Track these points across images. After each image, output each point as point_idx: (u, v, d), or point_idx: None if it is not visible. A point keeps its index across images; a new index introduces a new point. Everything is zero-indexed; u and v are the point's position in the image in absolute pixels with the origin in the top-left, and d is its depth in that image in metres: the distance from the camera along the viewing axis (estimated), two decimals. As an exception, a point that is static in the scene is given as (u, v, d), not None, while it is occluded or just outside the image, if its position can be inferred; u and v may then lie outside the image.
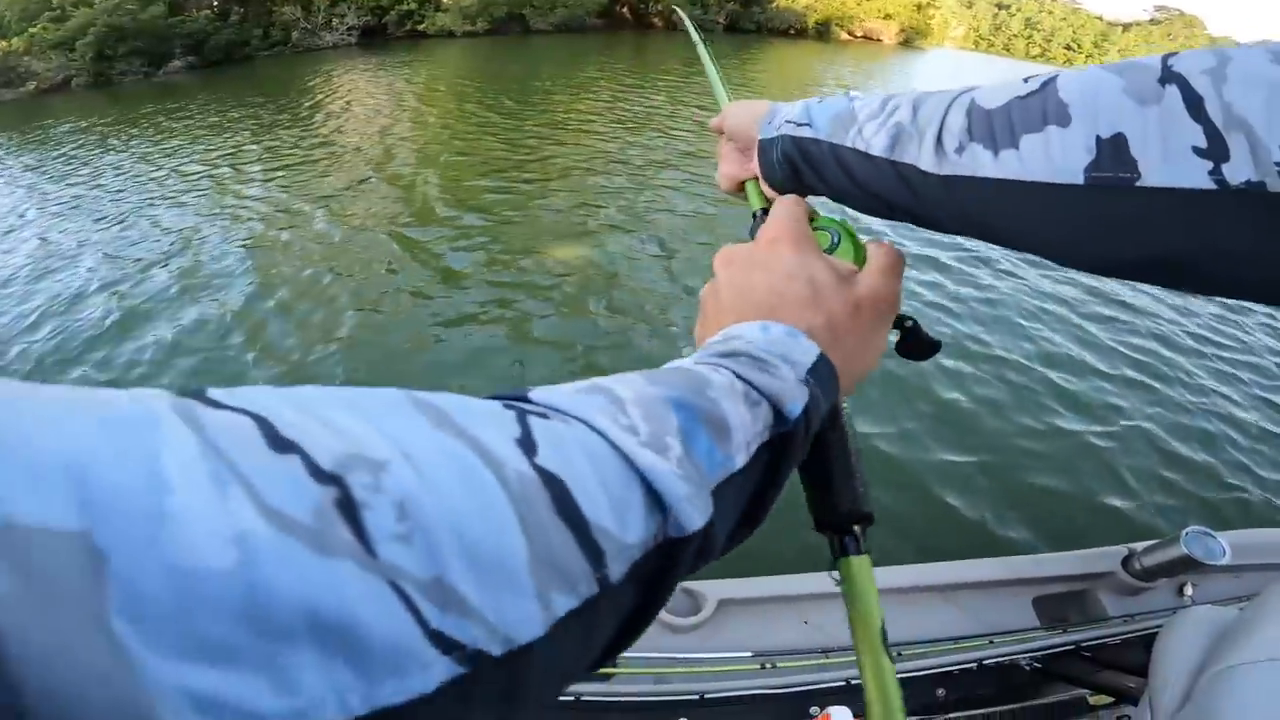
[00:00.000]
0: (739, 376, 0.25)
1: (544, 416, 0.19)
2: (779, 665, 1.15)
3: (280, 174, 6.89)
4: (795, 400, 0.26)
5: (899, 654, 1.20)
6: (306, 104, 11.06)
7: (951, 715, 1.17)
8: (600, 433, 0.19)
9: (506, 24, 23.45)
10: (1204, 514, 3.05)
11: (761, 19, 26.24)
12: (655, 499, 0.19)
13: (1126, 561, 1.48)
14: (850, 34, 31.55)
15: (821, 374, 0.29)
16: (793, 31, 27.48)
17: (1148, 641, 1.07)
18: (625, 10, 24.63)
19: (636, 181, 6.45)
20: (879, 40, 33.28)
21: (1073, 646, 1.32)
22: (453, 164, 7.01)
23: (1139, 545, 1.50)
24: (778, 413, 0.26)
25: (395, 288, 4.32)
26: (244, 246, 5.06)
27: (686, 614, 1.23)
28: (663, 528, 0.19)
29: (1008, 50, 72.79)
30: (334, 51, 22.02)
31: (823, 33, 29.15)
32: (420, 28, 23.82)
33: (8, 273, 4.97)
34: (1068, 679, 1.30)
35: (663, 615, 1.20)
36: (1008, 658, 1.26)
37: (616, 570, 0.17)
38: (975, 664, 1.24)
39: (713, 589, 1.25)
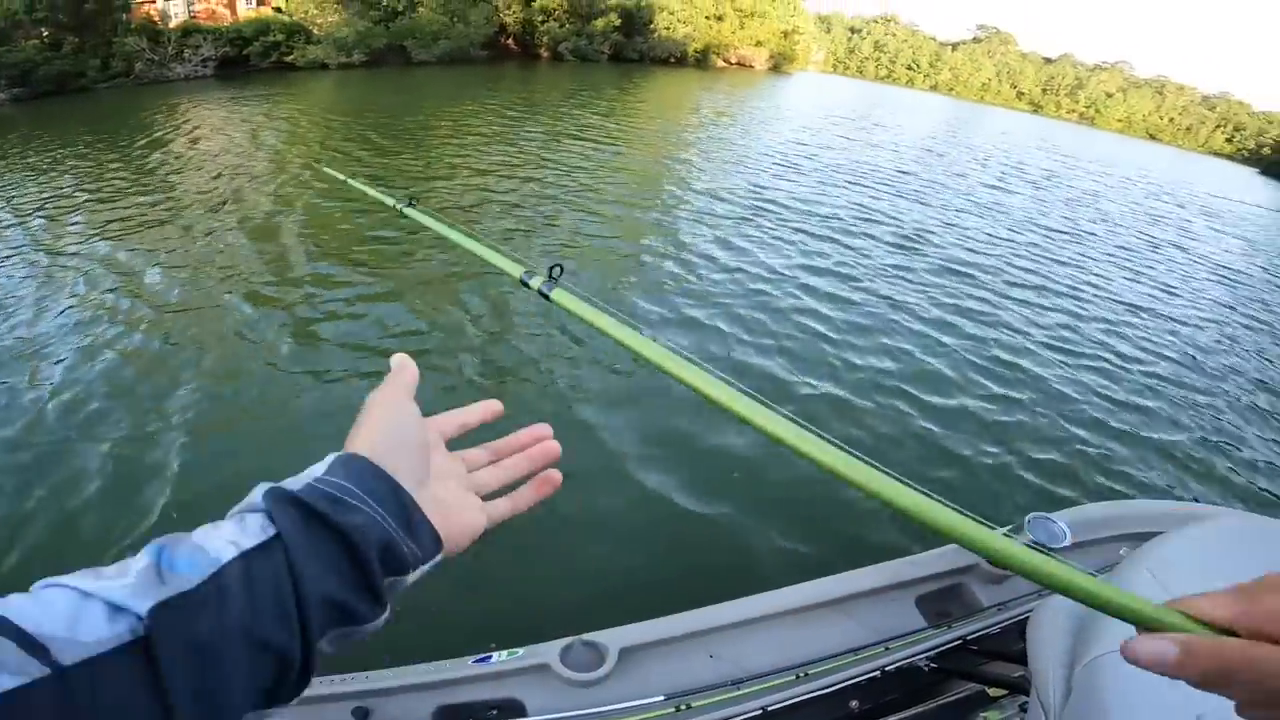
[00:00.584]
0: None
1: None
2: (694, 705, 1.12)
3: (110, 224, 5.88)
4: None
5: (806, 673, 1.21)
6: (144, 142, 9.75)
7: None
8: (62, 586, 0.25)
9: (386, 55, 22.38)
10: (1050, 496, 3.30)
11: (644, 48, 26.88)
12: (114, 606, 0.25)
13: None
14: (726, 61, 33.14)
15: (420, 539, 0.36)
16: (673, 60, 28.39)
17: (1022, 627, 1.09)
18: (510, 41, 24.33)
19: (519, 219, 6.29)
20: (751, 66, 35.23)
21: (960, 642, 1.34)
22: (313, 208, 6.38)
23: (999, 530, 1.57)
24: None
25: (242, 354, 3.76)
26: (64, 311, 4.26)
27: (589, 668, 1.19)
28: (137, 623, 0.25)
29: (860, 72, 79.38)
30: (186, 84, 19.94)
31: (701, 60, 30.34)
32: (288, 59, 22.18)
33: None
34: (962, 675, 1.32)
35: (565, 671, 1.18)
36: (906, 661, 1.27)
37: (70, 657, 0.23)
38: (878, 671, 1.23)
39: (613, 638, 1.21)
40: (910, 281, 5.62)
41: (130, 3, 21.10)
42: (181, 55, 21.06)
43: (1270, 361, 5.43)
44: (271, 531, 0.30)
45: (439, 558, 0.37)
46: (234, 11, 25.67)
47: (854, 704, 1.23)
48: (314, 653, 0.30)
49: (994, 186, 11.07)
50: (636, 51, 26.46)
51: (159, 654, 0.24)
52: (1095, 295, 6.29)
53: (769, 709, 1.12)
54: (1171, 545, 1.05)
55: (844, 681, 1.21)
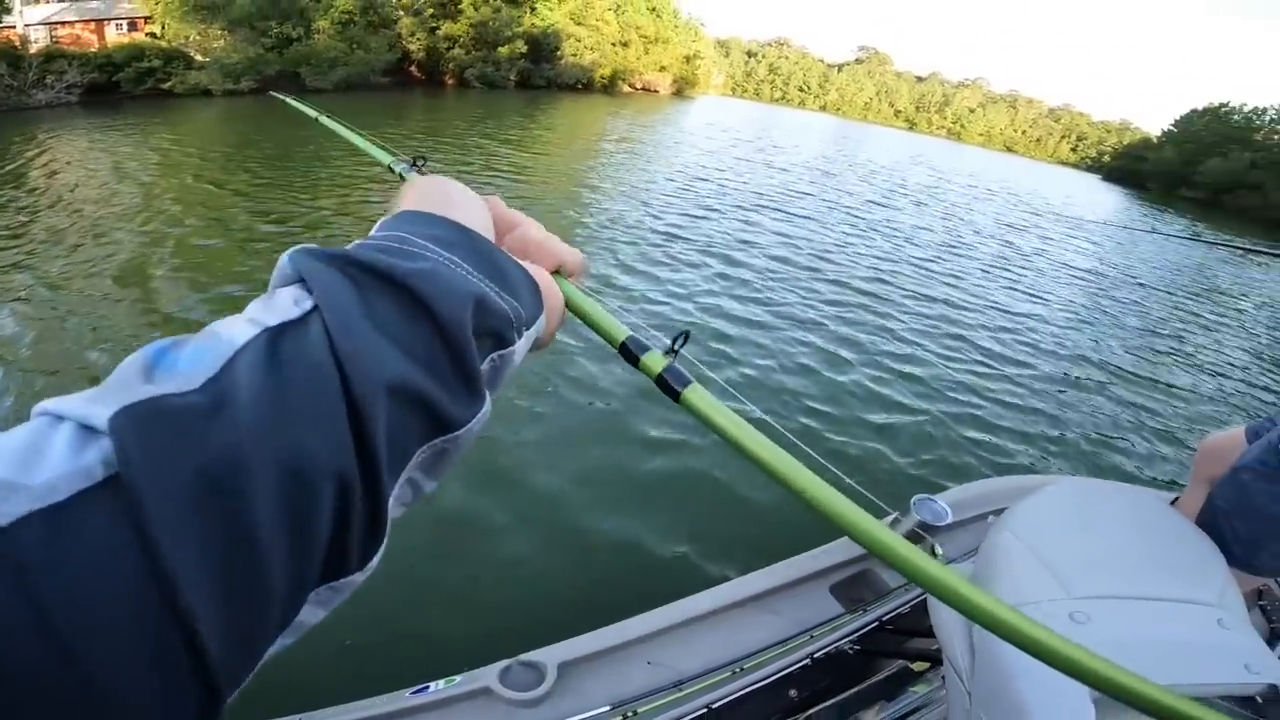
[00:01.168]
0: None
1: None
2: (640, 711, 1.13)
3: None
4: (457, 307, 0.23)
5: (741, 668, 1.24)
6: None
7: (809, 713, 1.20)
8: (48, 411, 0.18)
9: (277, 82, 21.23)
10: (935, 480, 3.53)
11: (551, 75, 27.01)
12: (87, 433, 0.17)
13: None
14: (632, 86, 33.90)
15: (527, 300, 0.28)
16: (580, 86, 28.69)
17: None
18: (415, 69, 23.75)
19: None
20: (656, 91, 36.25)
21: (877, 623, 1.40)
22: (186, 244, 5.82)
23: (888, 518, 1.66)
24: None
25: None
26: None
27: (530, 687, 1.18)
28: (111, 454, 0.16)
29: (757, 95, 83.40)
30: (49, 112, 18.02)
31: (608, 87, 30.84)
32: (166, 86, 20.59)
33: None
34: (884, 654, 1.37)
35: (506, 693, 1.18)
36: (832, 647, 1.31)
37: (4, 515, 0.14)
38: (808, 660, 1.28)
39: (550, 655, 1.21)
40: (812, 296, 5.95)
41: None
42: (43, 81, 19.07)
43: (1109, 352, 6.19)
44: (309, 304, 0.21)
45: (541, 322, 0.28)
46: (102, 38, 23.61)
47: (792, 693, 1.26)
48: (384, 477, 0.20)
49: (881, 204, 11.97)
50: (544, 78, 26.55)
51: (142, 492, 0.16)
52: (971, 303, 6.96)
53: (714, 706, 1.15)
54: (1025, 510, 1.14)
55: (778, 673, 1.24)
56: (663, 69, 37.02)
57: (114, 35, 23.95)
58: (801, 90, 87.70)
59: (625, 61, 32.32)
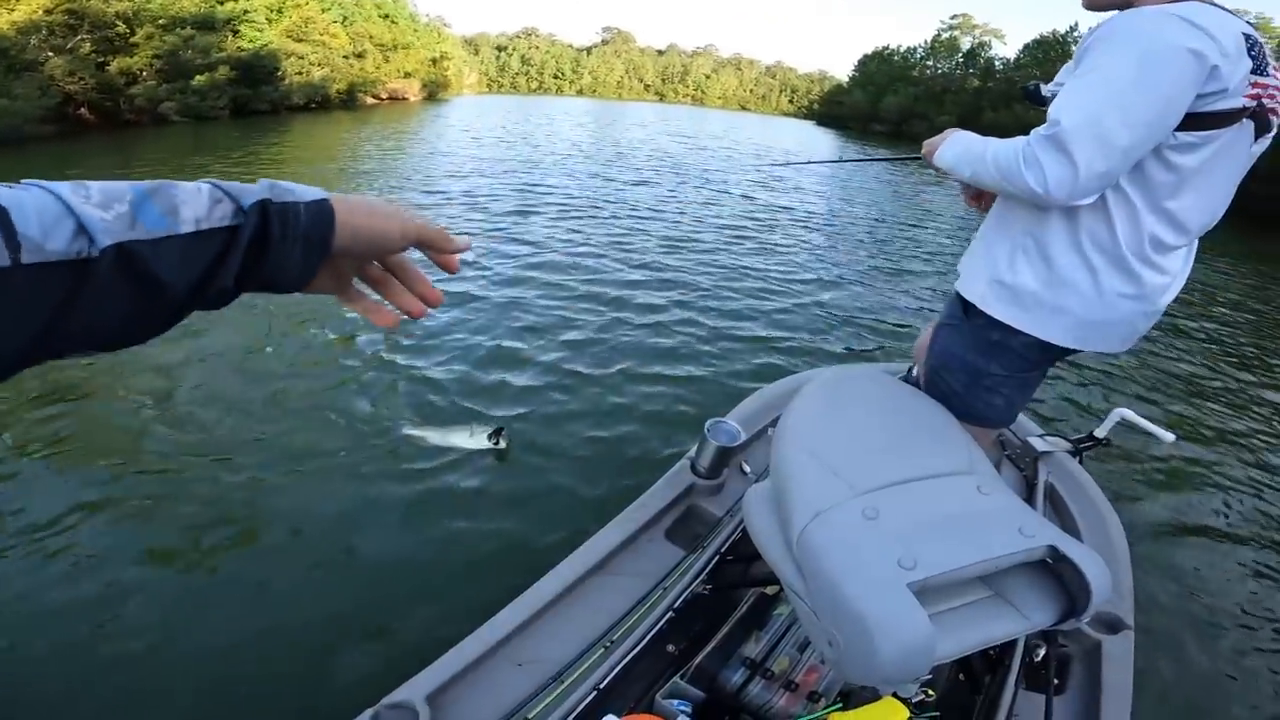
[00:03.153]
0: (216, 186, 0.34)
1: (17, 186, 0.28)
2: (529, 717, 1.06)
3: None
4: (252, 197, 0.35)
5: (612, 641, 1.18)
6: None
7: (695, 662, 1.17)
8: (54, 194, 0.28)
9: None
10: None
11: (275, 97, 23.50)
12: (83, 229, 0.27)
13: (694, 469, 1.62)
14: (376, 97, 30.89)
15: (315, 209, 0.37)
16: (315, 105, 25.41)
17: None
18: (85, 111, 18.94)
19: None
20: (406, 98, 33.48)
21: (718, 557, 1.37)
22: None
23: (692, 450, 1.65)
24: (238, 208, 0.34)
25: None
26: None
27: None
28: (90, 247, 0.27)
29: (514, 88, 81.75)
30: None
31: (348, 101, 27.76)
32: None
33: None
34: (735, 585, 1.35)
35: None
36: (688, 592, 1.28)
37: (29, 258, 0.26)
38: (671, 612, 1.24)
39: (415, 688, 1.09)
40: (592, 282, 5.89)
41: None
42: None
43: (839, 270, 7.16)
44: (230, 224, 0.34)
45: (328, 204, 0.38)
46: None
47: (670, 648, 1.23)
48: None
49: (642, 183, 12.30)
50: (268, 102, 23.00)
51: (97, 275, 0.28)
52: (737, 251, 7.57)
53: (601, 686, 1.08)
54: (792, 418, 1.16)
55: (649, 633, 1.19)
56: (408, 75, 34.28)
57: None
58: (556, 77, 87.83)
59: (363, 73, 29.28)
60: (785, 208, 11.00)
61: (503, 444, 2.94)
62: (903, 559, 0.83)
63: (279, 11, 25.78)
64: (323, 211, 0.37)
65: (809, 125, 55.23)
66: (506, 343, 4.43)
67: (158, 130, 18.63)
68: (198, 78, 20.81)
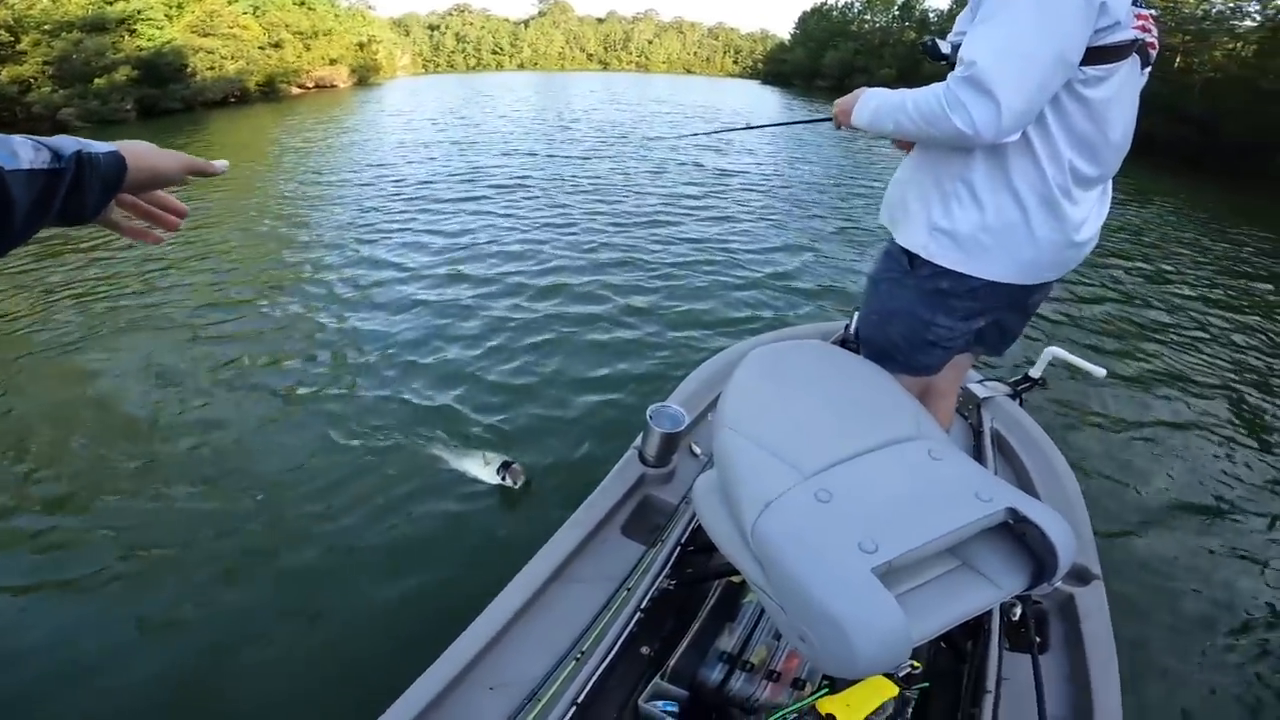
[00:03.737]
0: (35, 140, 0.44)
1: None
2: None
3: None
4: (68, 150, 0.45)
5: (582, 652, 1.13)
6: None
7: (671, 662, 1.10)
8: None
9: None
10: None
11: (187, 95, 21.88)
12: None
13: (643, 459, 1.55)
14: (302, 87, 29.11)
15: (110, 158, 0.50)
16: (233, 99, 23.76)
17: None
18: (-28, 124, 17.27)
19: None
20: (334, 85, 31.67)
21: (679, 549, 1.31)
22: None
23: (638, 439, 1.57)
24: (55, 155, 0.44)
25: None
26: None
27: None
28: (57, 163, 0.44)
29: (451, 66, 78.48)
30: None
31: (269, 93, 26.06)
32: None
33: None
34: (702, 579, 1.28)
35: None
36: (654, 590, 1.22)
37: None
38: (640, 613, 1.18)
39: None
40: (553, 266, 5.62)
41: None
42: None
43: (793, 235, 6.94)
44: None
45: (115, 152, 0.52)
46: None
47: (644, 650, 1.17)
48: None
49: (584, 157, 11.77)
50: (179, 100, 21.39)
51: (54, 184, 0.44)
52: (689, 222, 7.31)
53: (579, 700, 1.03)
54: (729, 402, 1.07)
55: (619, 637, 1.14)
56: (334, 62, 32.32)
57: None
58: (495, 53, 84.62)
59: (282, 63, 27.48)
60: (737, 172, 10.71)
61: (514, 484, 2.58)
62: (863, 542, 0.78)
63: (179, 7, 23.94)
64: (116, 158, 0.51)
65: (754, 85, 54.70)
66: (435, 343, 4.14)
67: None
68: (96, 81, 19.18)
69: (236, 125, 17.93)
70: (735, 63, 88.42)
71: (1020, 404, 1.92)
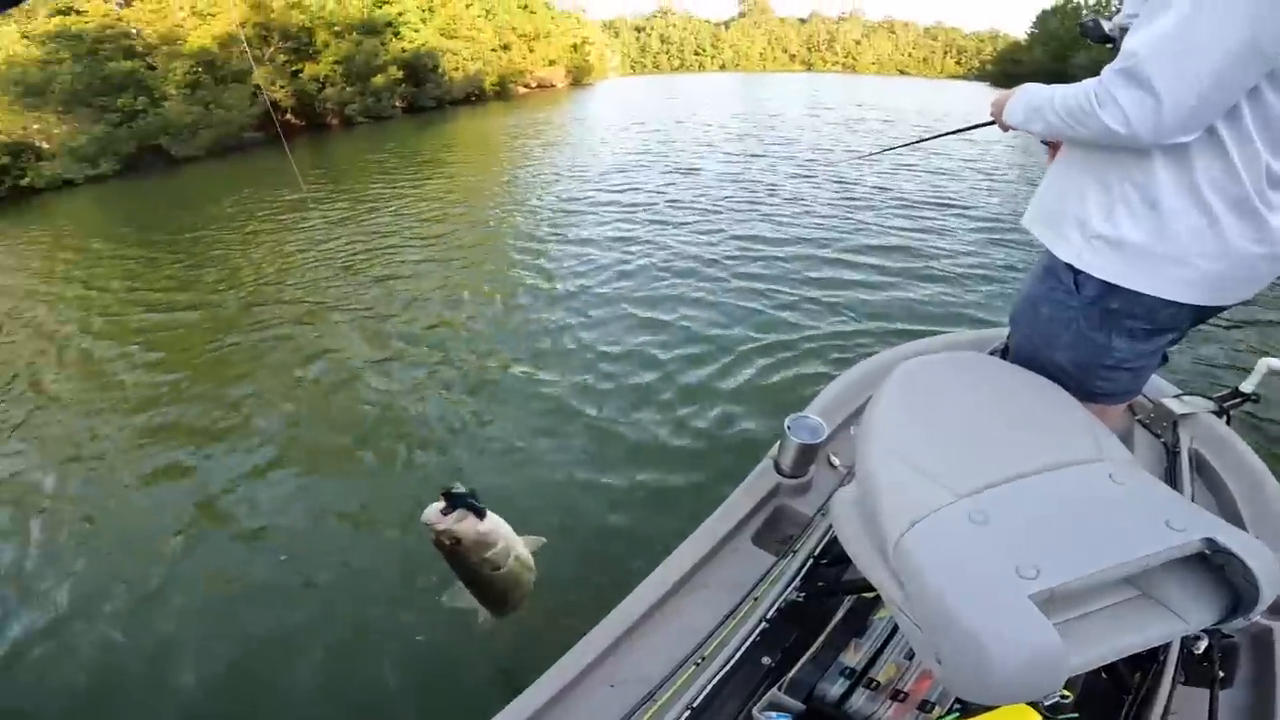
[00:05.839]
0: None
1: None
2: None
3: None
4: None
5: (703, 657, 1.15)
6: None
7: (790, 675, 1.09)
8: None
9: (142, 158, 18.76)
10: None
11: (438, 93, 24.99)
12: None
13: (778, 469, 1.51)
14: (526, 86, 31.94)
15: None
16: (474, 97, 26.73)
17: None
18: (290, 116, 21.35)
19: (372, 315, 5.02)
20: (553, 85, 34.29)
21: (811, 560, 1.30)
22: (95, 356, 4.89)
23: (774, 449, 1.53)
24: None
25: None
26: None
27: None
28: None
29: (656, 67, 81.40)
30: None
31: (501, 92, 28.91)
32: (24, 183, 17.92)
33: None
34: (831, 591, 1.25)
35: None
36: (781, 600, 1.23)
37: None
38: (764, 623, 1.19)
39: (511, 716, 1.05)
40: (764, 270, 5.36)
41: None
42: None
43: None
44: None
45: None
46: (-69, 145, 20.40)
47: (765, 660, 1.16)
48: None
49: (806, 176, 10.84)
50: (432, 98, 24.53)
51: None
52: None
53: (694, 705, 1.06)
54: (877, 417, 1.05)
55: (742, 646, 1.15)
56: (552, 63, 35.00)
57: None
58: (697, 54, 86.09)
59: (510, 64, 30.34)
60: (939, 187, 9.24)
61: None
62: (1022, 567, 0.73)
63: (430, 11, 27.34)
64: None
65: (983, 87, 48.79)
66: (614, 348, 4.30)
67: (346, 131, 20.58)
68: (375, 79, 22.62)
69: (476, 121, 20.03)
70: (958, 63, 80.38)
71: (1227, 422, 1.72)
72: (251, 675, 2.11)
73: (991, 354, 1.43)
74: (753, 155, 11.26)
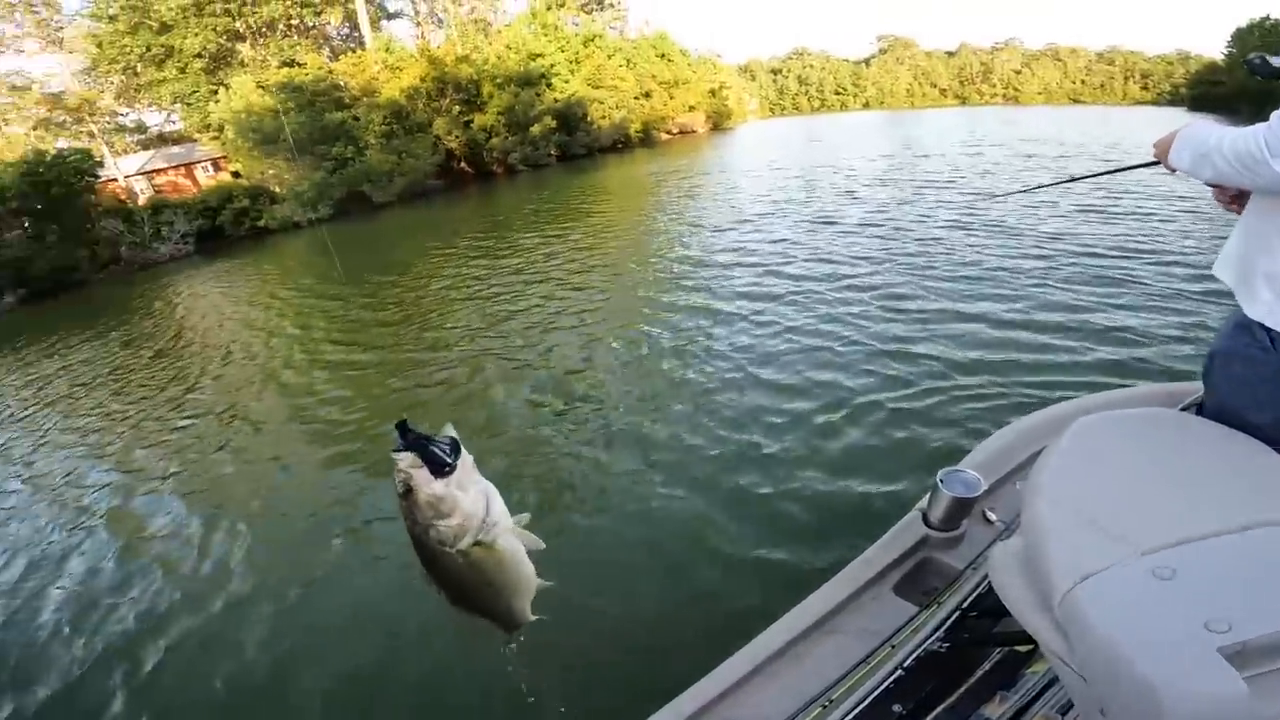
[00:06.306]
0: None
1: None
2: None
3: (119, 429, 5.60)
4: None
5: (830, 700, 1.15)
6: (137, 336, 9.55)
7: None
8: None
9: (349, 203, 22.07)
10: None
11: (587, 140, 26.88)
12: None
13: (926, 521, 1.49)
14: (669, 133, 33.38)
15: None
16: (620, 145, 28.38)
17: None
18: (463, 164, 24.19)
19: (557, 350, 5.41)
20: (694, 131, 35.48)
21: (959, 612, 1.28)
22: (328, 369, 6.12)
23: (925, 500, 1.52)
24: None
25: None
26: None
27: None
28: None
29: (796, 109, 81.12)
30: (172, 264, 19.52)
31: (645, 139, 30.41)
32: (260, 224, 21.79)
33: None
34: (979, 643, 1.24)
35: None
36: (921, 650, 1.21)
37: None
38: (900, 670, 1.18)
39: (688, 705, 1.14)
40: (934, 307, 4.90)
41: (93, 184, 20.66)
42: (160, 234, 20.72)
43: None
44: None
45: None
46: (195, 182, 25.51)
47: (896, 708, 1.15)
48: None
49: (962, 223, 10.06)
50: (583, 146, 26.46)
51: None
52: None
53: (904, 671, 1.09)
54: (1051, 468, 1.04)
55: (873, 692, 1.15)
56: (692, 108, 36.23)
57: (203, 178, 25.89)
58: (838, 94, 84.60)
59: (653, 111, 31.86)
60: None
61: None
62: (1211, 621, 0.71)
63: (577, 63, 29.54)
64: None
65: (1177, 112, 42.67)
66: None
67: (509, 179, 22.82)
68: (532, 128, 24.87)
69: (623, 167, 21.24)
70: (1144, 89, 71.21)
71: None
72: (381, 666, 2.47)
73: (1184, 410, 1.38)
74: (901, 203, 10.55)
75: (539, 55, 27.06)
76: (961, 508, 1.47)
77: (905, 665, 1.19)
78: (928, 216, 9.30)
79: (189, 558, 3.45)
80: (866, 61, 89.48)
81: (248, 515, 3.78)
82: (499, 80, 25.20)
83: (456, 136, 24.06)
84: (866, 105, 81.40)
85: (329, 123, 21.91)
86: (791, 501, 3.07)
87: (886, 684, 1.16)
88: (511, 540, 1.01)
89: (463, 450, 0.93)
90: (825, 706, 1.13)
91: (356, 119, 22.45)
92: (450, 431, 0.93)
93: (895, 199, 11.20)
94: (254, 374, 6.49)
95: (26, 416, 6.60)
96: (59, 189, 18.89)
